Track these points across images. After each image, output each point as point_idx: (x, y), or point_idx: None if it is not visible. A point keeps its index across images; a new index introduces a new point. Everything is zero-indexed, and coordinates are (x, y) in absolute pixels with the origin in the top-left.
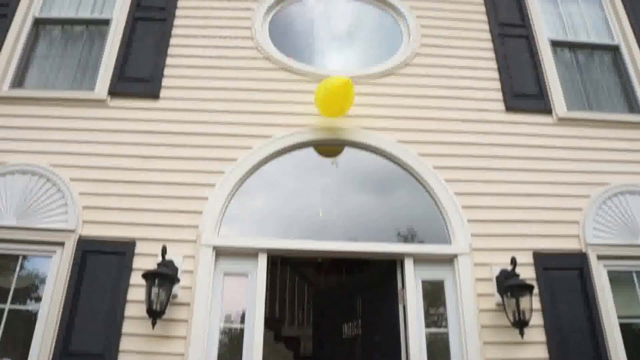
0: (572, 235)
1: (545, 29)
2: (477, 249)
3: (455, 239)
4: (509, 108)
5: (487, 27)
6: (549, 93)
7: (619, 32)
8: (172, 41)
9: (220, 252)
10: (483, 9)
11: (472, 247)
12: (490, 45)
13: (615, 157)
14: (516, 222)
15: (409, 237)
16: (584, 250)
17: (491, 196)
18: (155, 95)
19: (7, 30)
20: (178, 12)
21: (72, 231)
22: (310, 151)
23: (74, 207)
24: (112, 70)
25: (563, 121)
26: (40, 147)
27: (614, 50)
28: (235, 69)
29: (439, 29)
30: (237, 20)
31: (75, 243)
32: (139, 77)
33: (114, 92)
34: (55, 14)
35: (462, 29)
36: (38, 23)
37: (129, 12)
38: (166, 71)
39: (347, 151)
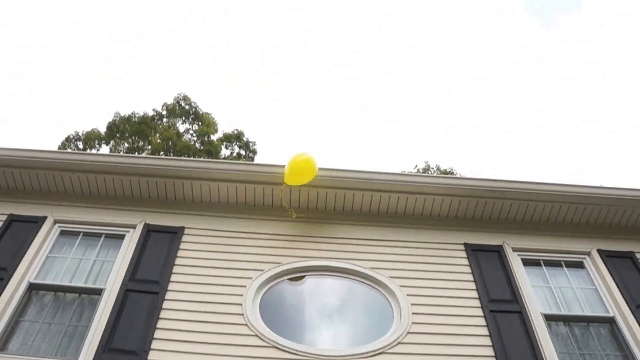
0: None
1: (537, 303)
2: None
3: None
4: None
5: (478, 303)
6: None
7: (612, 303)
8: (163, 314)
9: None
10: (473, 285)
11: None
12: (482, 321)
13: None
14: None
15: None
16: None
17: None
18: None
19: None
20: (171, 286)
21: None
22: None
23: None
24: (98, 339)
25: None
26: None
27: (610, 322)
28: (224, 344)
29: (430, 307)
30: (229, 297)
31: None
32: (125, 349)
33: None
34: (50, 280)
35: (453, 306)
36: (32, 288)
37: (122, 283)
38: (154, 344)
39: None
